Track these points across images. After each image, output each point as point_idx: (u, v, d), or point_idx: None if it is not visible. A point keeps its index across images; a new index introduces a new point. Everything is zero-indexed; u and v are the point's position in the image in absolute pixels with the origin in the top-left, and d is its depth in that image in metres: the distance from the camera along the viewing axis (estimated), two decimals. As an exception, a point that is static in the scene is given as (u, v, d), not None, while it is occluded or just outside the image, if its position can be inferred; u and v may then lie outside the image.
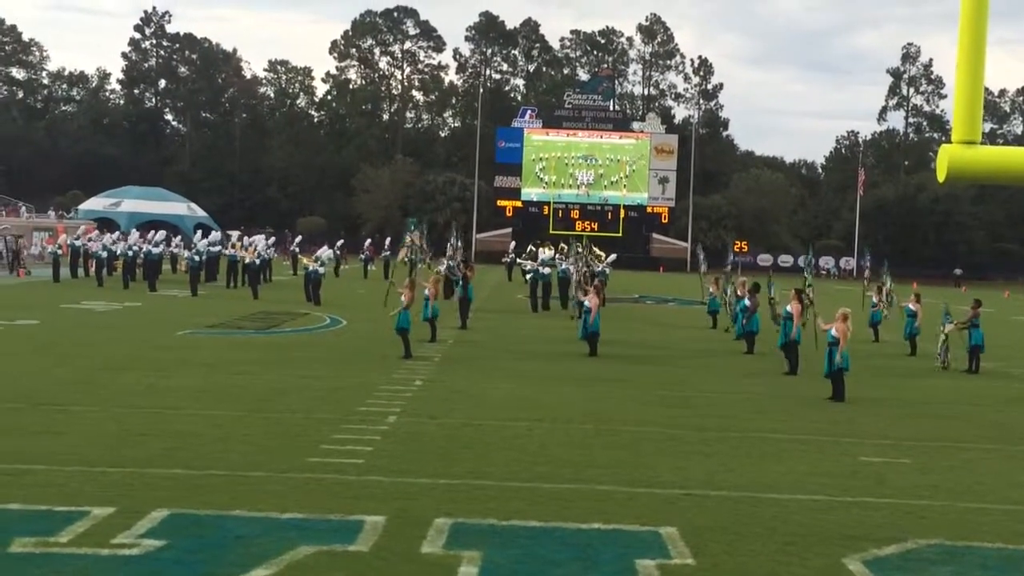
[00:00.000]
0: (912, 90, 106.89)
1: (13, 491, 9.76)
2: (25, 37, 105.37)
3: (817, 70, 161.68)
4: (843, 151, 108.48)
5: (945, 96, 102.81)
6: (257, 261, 38.55)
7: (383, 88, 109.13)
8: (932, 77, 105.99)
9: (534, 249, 41.07)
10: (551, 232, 74.53)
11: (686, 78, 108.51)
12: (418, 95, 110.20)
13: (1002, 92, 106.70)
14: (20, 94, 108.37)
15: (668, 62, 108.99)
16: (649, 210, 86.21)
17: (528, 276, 37.21)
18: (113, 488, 10.00)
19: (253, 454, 11.79)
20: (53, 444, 11.88)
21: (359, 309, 31.71)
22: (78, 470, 10.70)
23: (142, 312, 29.64)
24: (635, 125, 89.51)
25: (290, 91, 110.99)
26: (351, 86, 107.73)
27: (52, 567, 7.70)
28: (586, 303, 23.54)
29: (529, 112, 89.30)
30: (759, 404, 17.33)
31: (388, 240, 54.25)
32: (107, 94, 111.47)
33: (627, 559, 8.57)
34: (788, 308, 21.76)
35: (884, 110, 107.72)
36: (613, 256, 41.37)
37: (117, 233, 49.75)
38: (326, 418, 14.14)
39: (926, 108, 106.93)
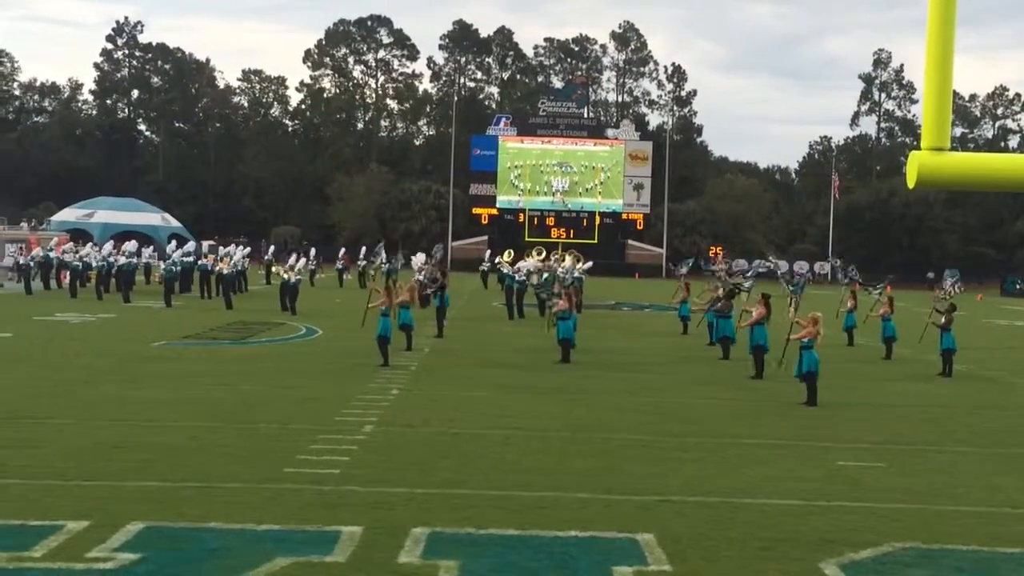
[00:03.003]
0: (884, 95, 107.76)
1: (-14, 506, 9.70)
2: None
3: (790, 76, 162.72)
4: (816, 156, 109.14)
5: (916, 101, 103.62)
6: (233, 271, 38.42)
7: (357, 97, 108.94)
8: (903, 82, 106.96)
9: (509, 259, 40.98)
10: (527, 239, 74.56)
11: (660, 85, 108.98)
12: (392, 103, 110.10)
13: (973, 96, 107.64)
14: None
15: (642, 69, 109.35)
16: (624, 217, 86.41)
17: (505, 282, 37.25)
18: (88, 501, 9.94)
19: (229, 465, 11.75)
20: (27, 458, 11.79)
21: (335, 319, 31.64)
22: (53, 484, 10.63)
23: (116, 324, 29.47)
24: (609, 132, 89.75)
25: (264, 100, 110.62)
26: (325, 95, 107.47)
27: (26, 582, 7.65)
28: (555, 308, 23.63)
29: (504, 120, 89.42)
30: (734, 410, 17.39)
31: (364, 249, 54.16)
32: (79, 105, 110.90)
33: (604, 566, 8.58)
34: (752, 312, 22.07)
35: (856, 115, 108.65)
36: (589, 263, 41.41)
37: (91, 244, 49.48)
38: (302, 428, 14.10)
39: (898, 113, 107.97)
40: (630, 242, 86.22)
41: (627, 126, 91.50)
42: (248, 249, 49.43)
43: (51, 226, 72.57)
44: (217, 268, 39.34)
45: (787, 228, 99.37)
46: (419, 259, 37.51)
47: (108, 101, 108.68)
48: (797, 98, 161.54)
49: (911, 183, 6.40)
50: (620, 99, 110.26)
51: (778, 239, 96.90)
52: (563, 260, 40.24)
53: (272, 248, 58.47)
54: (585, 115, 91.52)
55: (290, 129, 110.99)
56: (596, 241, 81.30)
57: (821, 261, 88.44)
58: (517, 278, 35.56)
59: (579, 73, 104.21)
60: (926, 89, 6.33)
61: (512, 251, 44.00)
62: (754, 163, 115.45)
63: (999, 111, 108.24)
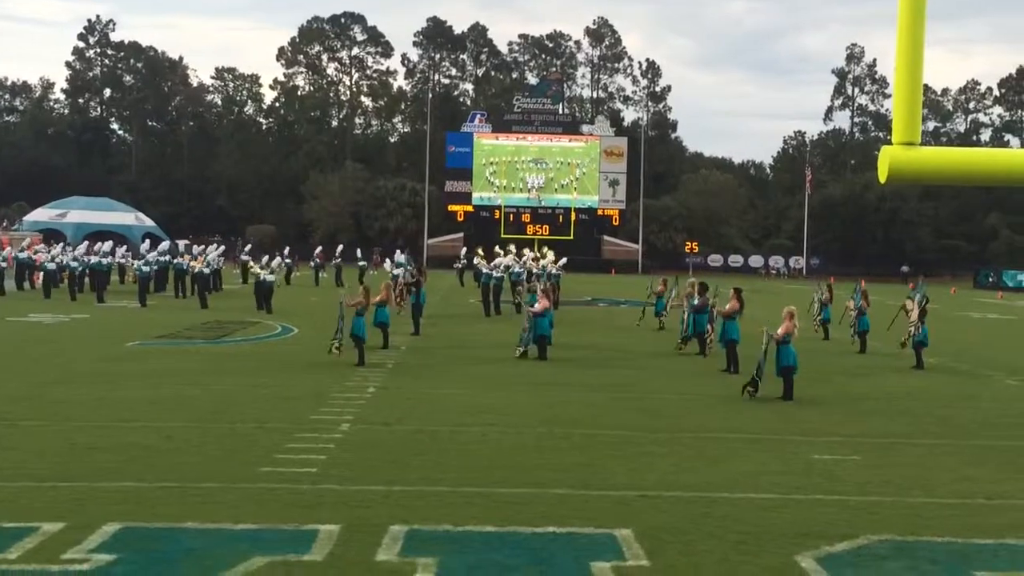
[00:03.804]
0: (857, 90, 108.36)
1: (-40, 509, 9.63)
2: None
3: (763, 71, 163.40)
4: (791, 151, 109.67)
5: (889, 95, 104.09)
6: (207, 270, 38.27)
7: (331, 94, 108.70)
8: (876, 77, 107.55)
9: (482, 256, 40.96)
10: (503, 236, 74.60)
11: (634, 81, 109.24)
12: (367, 101, 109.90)
13: (945, 91, 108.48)
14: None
15: (616, 65, 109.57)
16: (600, 212, 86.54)
17: (480, 279, 37.26)
18: (63, 503, 9.89)
19: (205, 465, 11.71)
20: (1, 459, 11.71)
21: (311, 317, 31.55)
22: (27, 485, 10.57)
23: (90, 324, 29.30)
24: (584, 128, 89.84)
25: (238, 98, 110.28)
26: (299, 93, 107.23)
27: (1, 585, 7.61)
28: (536, 307, 23.60)
29: (479, 116, 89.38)
30: (711, 404, 17.45)
31: (340, 247, 54.07)
32: (51, 104, 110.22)
33: (582, 562, 8.61)
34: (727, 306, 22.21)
35: (830, 110, 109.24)
36: (564, 260, 41.47)
37: (63, 244, 49.18)
38: (279, 427, 14.07)
39: (871, 107, 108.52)
40: (606, 238, 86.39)
41: (602, 122, 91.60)
42: (223, 248, 49.25)
43: (24, 226, 72.06)
44: (192, 267, 39.18)
45: (762, 223, 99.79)
46: (400, 257, 37.52)
47: (80, 100, 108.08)
48: (771, 93, 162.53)
49: (882, 178, 6.45)
50: (595, 95, 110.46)
51: (753, 234, 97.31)
52: (543, 256, 40.31)
53: (248, 247, 58.23)
54: (560, 111, 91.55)
55: (264, 127, 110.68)
56: (572, 237, 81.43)
57: (796, 256, 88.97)
58: (494, 275, 35.55)
59: (554, 69, 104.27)
60: (896, 84, 6.37)
61: (484, 248, 43.94)
62: (729, 158, 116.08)
63: (971, 105, 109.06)
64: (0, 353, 22.20)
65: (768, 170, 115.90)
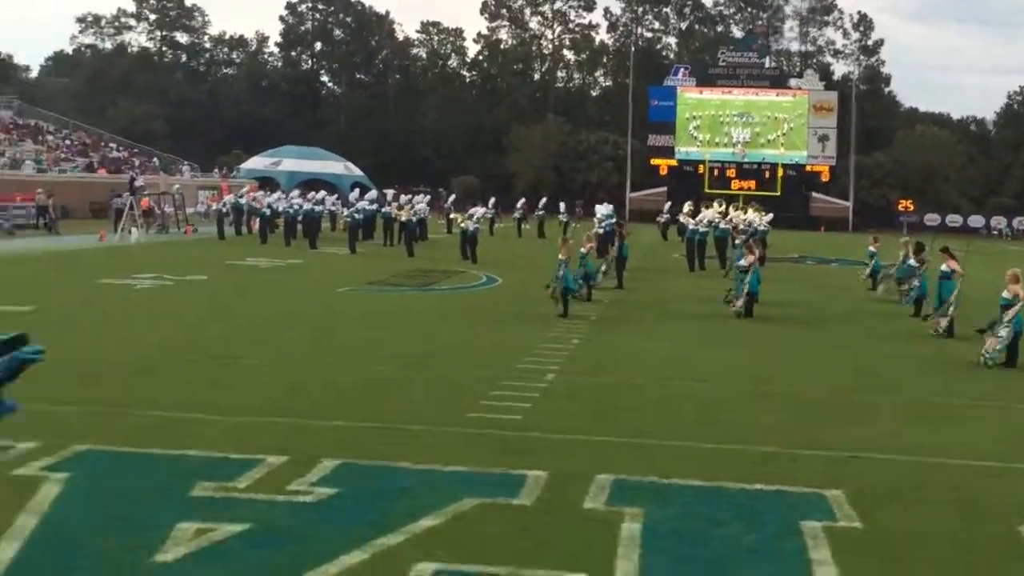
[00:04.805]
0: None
1: (192, 439, 10.16)
2: (188, 3, 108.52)
3: (983, 24, 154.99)
4: (1016, 107, 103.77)
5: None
6: (413, 220, 39.11)
7: (534, 48, 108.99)
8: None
9: (692, 207, 40.49)
10: (706, 190, 73.53)
11: (845, 34, 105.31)
12: (569, 54, 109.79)
13: None
14: (184, 58, 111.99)
15: (825, 18, 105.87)
16: (808, 169, 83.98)
17: (685, 234, 36.89)
18: (284, 438, 10.31)
19: (415, 408, 12.00)
20: (227, 395, 12.31)
21: (514, 268, 31.89)
22: (251, 420, 11.07)
23: (304, 269, 30.44)
24: (792, 82, 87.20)
25: (442, 52, 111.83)
26: (502, 46, 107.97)
27: (233, 511, 7.98)
28: (742, 262, 23.18)
29: (682, 70, 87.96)
30: (926, 367, 16.80)
31: (543, 199, 54.39)
32: (265, 57, 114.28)
33: (792, 520, 8.42)
34: (944, 267, 21.15)
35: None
36: (770, 215, 40.61)
37: (278, 192, 51.12)
38: (485, 375, 14.28)
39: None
40: (814, 195, 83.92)
41: (811, 76, 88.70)
42: (428, 198, 50.22)
43: (240, 174, 75.32)
44: (398, 216, 40.13)
45: (983, 181, 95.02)
46: (601, 210, 37.47)
47: (292, 53, 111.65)
48: (992, 47, 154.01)
49: None
50: (803, 48, 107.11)
51: (973, 192, 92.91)
52: (744, 212, 39.63)
53: (452, 197, 59.22)
54: (766, 65, 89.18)
55: (468, 80, 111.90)
56: (779, 193, 79.48)
57: (1021, 216, 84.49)
58: (699, 230, 35.11)
59: (760, 23, 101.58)
60: None
61: (691, 203, 43.34)
62: (946, 114, 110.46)
63: None
64: (221, 295, 23.31)
65: (991, 126, 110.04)
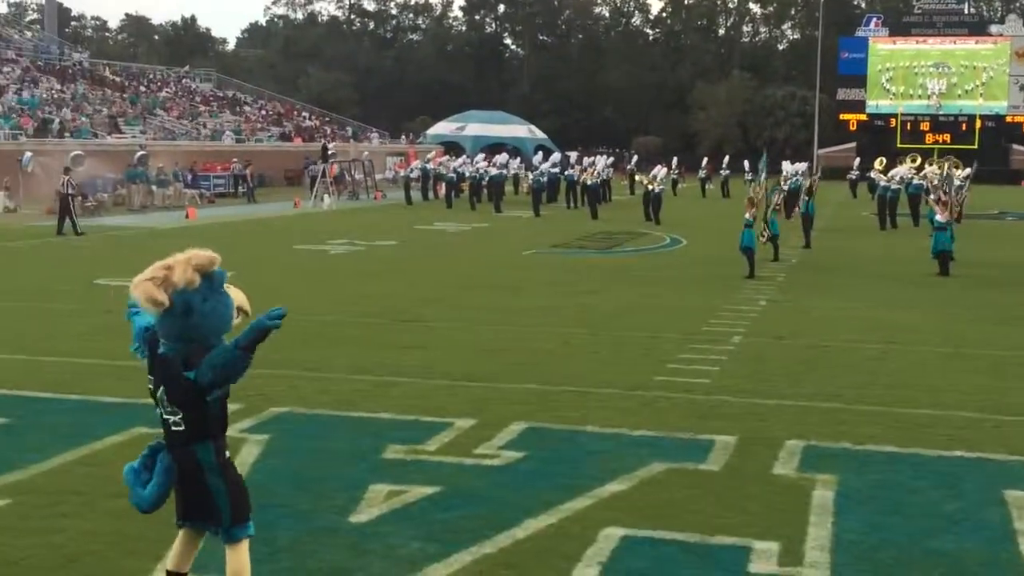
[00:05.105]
0: None
1: (384, 401, 10.47)
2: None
3: None
4: None
5: None
6: (596, 181, 39.09)
7: (719, 2, 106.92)
8: None
9: (881, 167, 39.20)
10: (898, 146, 70.94)
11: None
12: (755, 7, 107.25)
13: None
14: (371, 25, 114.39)
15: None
16: (1008, 119, 79.96)
17: (876, 191, 35.78)
18: (473, 401, 10.50)
19: (602, 371, 12.04)
20: (416, 358, 12.61)
21: (698, 229, 31.55)
22: (440, 383, 11.31)
23: (489, 233, 30.86)
24: (993, 28, 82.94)
25: (625, 10, 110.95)
26: (686, 2, 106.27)
27: (423, 473, 8.20)
28: (938, 218, 22.33)
29: (874, 20, 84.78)
30: None
31: (727, 158, 53.57)
32: (450, 21, 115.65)
33: (994, 489, 8.10)
34: None
35: None
36: (969, 170, 38.91)
37: (464, 156, 51.86)
38: (671, 337, 14.21)
39: None
40: (1015, 147, 79.92)
41: (1014, 21, 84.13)
42: (611, 159, 50.09)
43: (427, 140, 76.65)
44: (582, 178, 40.18)
45: None
46: (789, 168, 36.70)
47: (476, 16, 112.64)
48: None
49: None
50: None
51: None
52: (940, 167, 38.09)
53: (635, 158, 58.90)
54: (965, 11, 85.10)
55: (651, 38, 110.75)
56: (976, 146, 75.95)
57: None
58: (891, 187, 33.98)
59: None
60: None
61: (884, 158, 41.91)
62: None
63: None
64: (411, 259, 23.88)
65: None
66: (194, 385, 5.08)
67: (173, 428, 5.27)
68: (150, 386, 5.31)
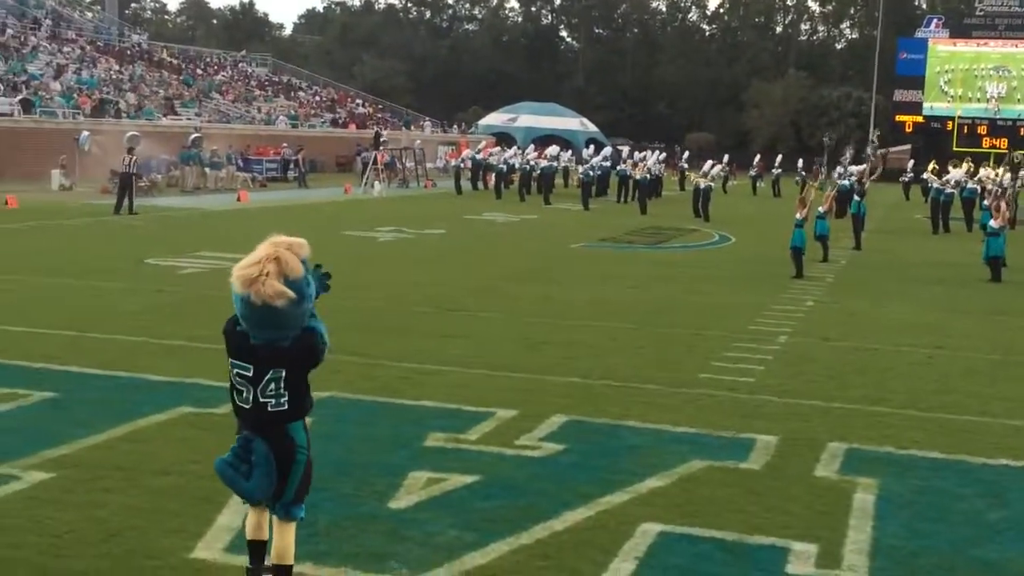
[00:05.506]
0: None
1: (427, 389, 10.50)
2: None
3: None
4: None
5: None
6: (647, 176, 38.96)
7: (777, 0, 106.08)
8: None
9: (932, 170, 38.74)
10: (954, 149, 70.00)
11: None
12: (813, 5, 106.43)
13: None
14: (428, 14, 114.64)
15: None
16: (1069, 126, 78.71)
17: (930, 194, 35.38)
18: (515, 392, 10.52)
19: (645, 367, 12.01)
20: (460, 347, 12.65)
21: (748, 227, 31.36)
22: (483, 373, 11.34)
23: (538, 224, 30.84)
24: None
25: (682, 5, 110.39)
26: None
27: (463, 462, 8.22)
28: (992, 224, 22.03)
29: (935, 21, 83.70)
30: None
31: (779, 157, 53.18)
32: (506, 12, 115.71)
33: (1041, 499, 8.02)
34: None
35: None
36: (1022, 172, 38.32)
37: (514, 148, 51.88)
38: (716, 335, 14.15)
39: None
40: (1073, 154, 78.63)
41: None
42: (663, 155, 49.89)
43: (478, 130, 76.75)
44: (632, 173, 40.06)
45: None
46: (847, 167, 36.43)
47: (532, 8, 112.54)
48: None
49: None
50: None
51: None
52: (998, 172, 37.56)
53: (686, 154, 58.62)
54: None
55: (707, 34, 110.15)
56: (1034, 152, 74.81)
57: None
58: (944, 191, 33.58)
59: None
60: None
61: (935, 162, 41.45)
62: None
63: None
64: (459, 248, 23.93)
65: None
66: (317, 363, 5.38)
67: (271, 410, 5.33)
68: (241, 372, 5.33)
